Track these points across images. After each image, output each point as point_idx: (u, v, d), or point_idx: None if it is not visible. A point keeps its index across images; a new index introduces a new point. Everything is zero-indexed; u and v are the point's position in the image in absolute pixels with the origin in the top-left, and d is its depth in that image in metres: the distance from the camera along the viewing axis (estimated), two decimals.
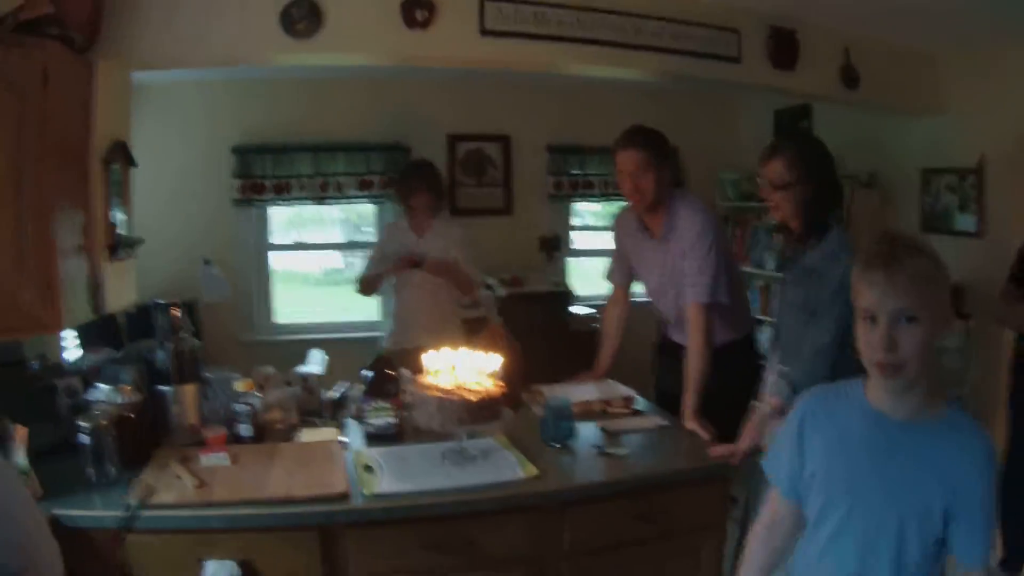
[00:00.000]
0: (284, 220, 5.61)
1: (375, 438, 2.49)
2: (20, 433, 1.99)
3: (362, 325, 5.24)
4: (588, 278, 5.83)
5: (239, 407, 2.44)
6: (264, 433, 2.49)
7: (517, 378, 2.66)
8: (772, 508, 1.67)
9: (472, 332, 3.55)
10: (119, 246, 2.78)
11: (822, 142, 2.53)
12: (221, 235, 5.09)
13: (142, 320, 3.54)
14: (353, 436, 2.54)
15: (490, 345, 2.51)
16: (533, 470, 2.20)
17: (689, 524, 2.31)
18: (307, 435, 2.52)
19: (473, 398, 2.16)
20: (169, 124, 4.90)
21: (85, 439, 2.08)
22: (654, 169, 2.76)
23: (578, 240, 6.11)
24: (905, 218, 4.62)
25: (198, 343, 2.51)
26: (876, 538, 1.46)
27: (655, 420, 2.72)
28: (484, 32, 3.12)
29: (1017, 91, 3.93)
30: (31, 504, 1.61)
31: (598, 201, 6.08)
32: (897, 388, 1.46)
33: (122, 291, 2.88)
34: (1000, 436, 3.33)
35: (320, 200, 5.31)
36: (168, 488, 2.03)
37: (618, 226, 3.14)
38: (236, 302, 5.05)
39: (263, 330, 5.34)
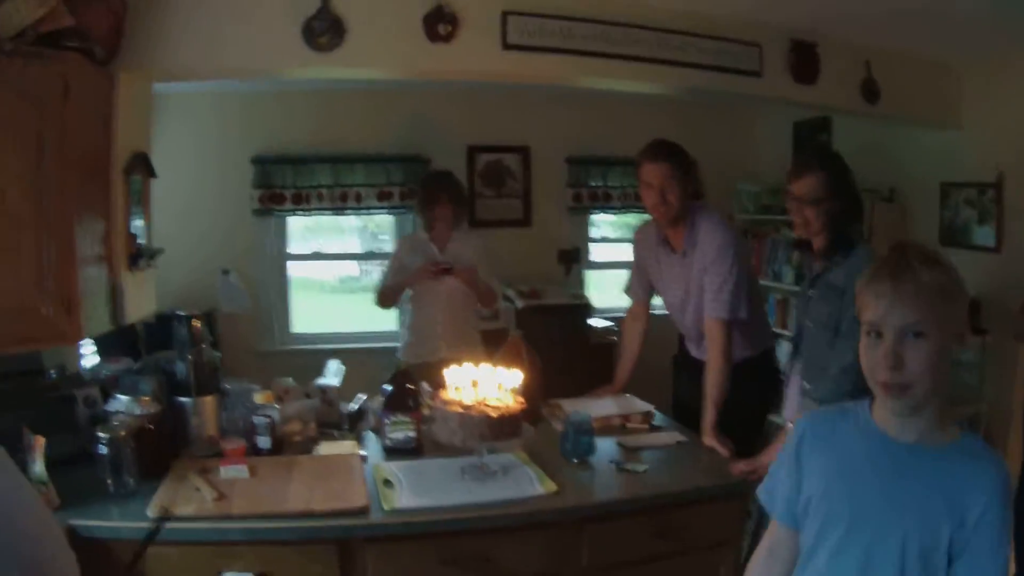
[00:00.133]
0: (301, 228, 5.63)
1: (394, 452, 2.48)
2: (38, 443, 1.99)
3: (379, 335, 5.22)
4: (607, 290, 5.80)
5: (258, 419, 2.45)
6: (282, 445, 2.50)
7: (537, 392, 2.65)
8: (771, 533, 1.59)
9: (492, 344, 3.53)
10: (139, 256, 2.79)
11: (842, 156, 2.52)
12: (240, 245, 5.11)
13: (160, 330, 3.53)
14: (372, 449, 2.54)
15: (511, 358, 2.50)
16: (552, 486, 2.19)
17: (707, 541, 2.30)
18: (326, 447, 2.52)
19: (494, 414, 2.16)
20: (189, 135, 4.92)
21: (103, 449, 2.09)
22: (679, 182, 2.75)
23: (597, 252, 6.08)
24: (923, 232, 4.57)
25: (217, 355, 2.52)
26: (877, 560, 1.36)
27: (674, 436, 2.71)
28: (507, 46, 3.11)
29: None
30: (45, 515, 1.61)
31: (617, 213, 6.06)
32: (904, 409, 1.36)
33: (141, 301, 2.89)
34: (1016, 452, 3.29)
35: (339, 211, 5.34)
36: (187, 500, 2.03)
37: (638, 240, 3.13)
38: (254, 312, 5.07)
39: (280, 340, 5.35)
